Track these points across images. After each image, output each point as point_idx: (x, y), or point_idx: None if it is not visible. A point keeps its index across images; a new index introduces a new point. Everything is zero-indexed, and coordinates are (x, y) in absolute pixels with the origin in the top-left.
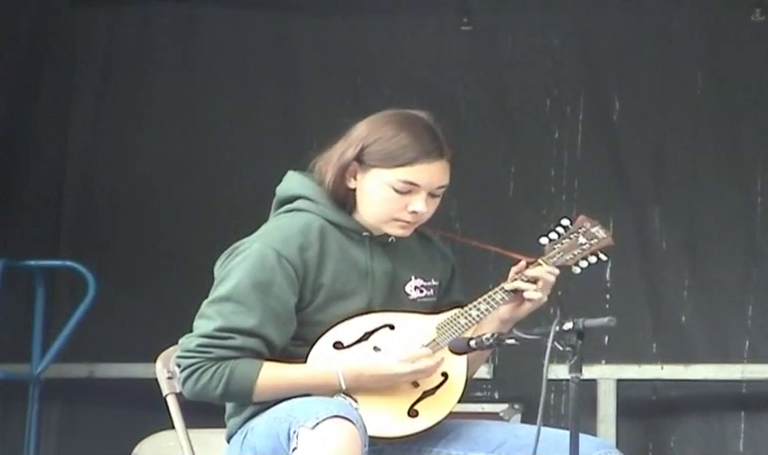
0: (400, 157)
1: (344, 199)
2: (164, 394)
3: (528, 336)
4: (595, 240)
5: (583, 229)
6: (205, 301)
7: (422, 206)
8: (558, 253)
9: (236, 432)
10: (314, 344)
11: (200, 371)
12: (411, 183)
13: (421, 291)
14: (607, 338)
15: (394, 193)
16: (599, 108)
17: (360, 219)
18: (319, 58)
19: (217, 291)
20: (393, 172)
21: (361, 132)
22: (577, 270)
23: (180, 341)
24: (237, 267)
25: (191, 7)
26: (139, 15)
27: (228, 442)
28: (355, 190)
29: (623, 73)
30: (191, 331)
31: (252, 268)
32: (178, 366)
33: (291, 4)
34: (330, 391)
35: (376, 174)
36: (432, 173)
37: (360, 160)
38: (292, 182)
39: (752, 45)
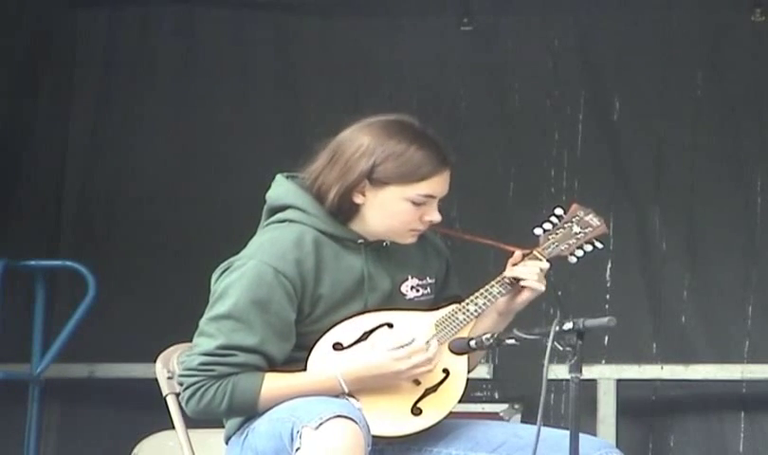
0: (417, 173)
1: (346, 213)
2: (164, 394)
3: (528, 336)
4: (590, 228)
5: (577, 218)
6: (203, 318)
7: (438, 215)
8: (553, 244)
9: (235, 433)
10: (313, 346)
11: (203, 388)
12: (429, 196)
13: (417, 290)
14: (607, 338)
15: (412, 206)
16: (599, 108)
17: (360, 228)
18: (319, 58)
19: (216, 308)
20: (411, 187)
21: (366, 147)
22: (573, 260)
23: (181, 360)
24: (235, 284)
25: (191, 7)
26: (139, 15)
27: (227, 443)
28: (359, 205)
29: (623, 73)
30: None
31: (250, 285)
32: (181, 384)
33: (291, 4)
34: (333, 395)
35: (393, 191)
36: (445, 182)
37: (371, 178)
38: (281, 190)
39: (752, 45)
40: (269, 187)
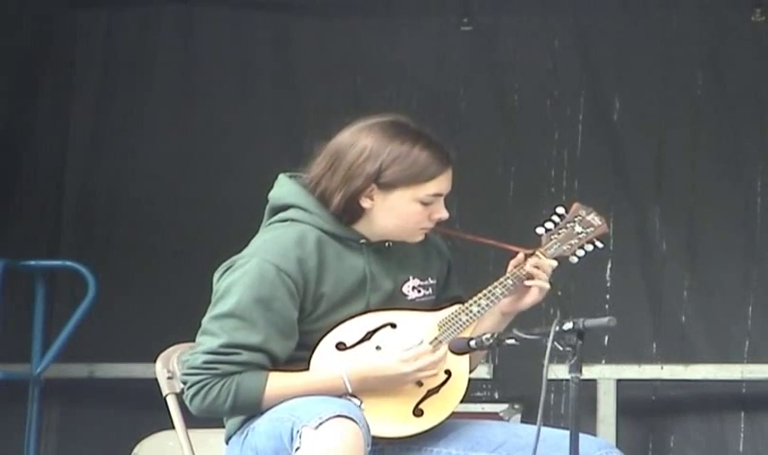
0: (425, 173)
1: (352, 215)
2: (164, 394)
3: (528, 336)
4: (591, 228)
5: (579, 218)
6: (206, 317)
7: (446, 212)
8: (556, 244)
9: (235, 433)
10: (316, 345)
11: (207, 387)
12: (437, 194)
13: (419, 291)
14: (607, 338)
15: (421, 206)
16: (599, 108)
17: (364, 229)
18: (319, 58)
19: (218, 307)
20: (421, 188)
21: (370, 151)
22: (575, 259)
23: (184, 358)
24: (237, 283)
25: (191, 7)
26: (139, 15)
27: (227, 442)
28: (366, 208)
29: (623, 73)
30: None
31: (253, 284)
32: (184, 383)
33: (291, 4)
34: (336, 394)
35: (403, 194)
36: (450, 179)
37: (379, 182)
38: (284, 189)
39: (752, 45)
40: (271, 187)
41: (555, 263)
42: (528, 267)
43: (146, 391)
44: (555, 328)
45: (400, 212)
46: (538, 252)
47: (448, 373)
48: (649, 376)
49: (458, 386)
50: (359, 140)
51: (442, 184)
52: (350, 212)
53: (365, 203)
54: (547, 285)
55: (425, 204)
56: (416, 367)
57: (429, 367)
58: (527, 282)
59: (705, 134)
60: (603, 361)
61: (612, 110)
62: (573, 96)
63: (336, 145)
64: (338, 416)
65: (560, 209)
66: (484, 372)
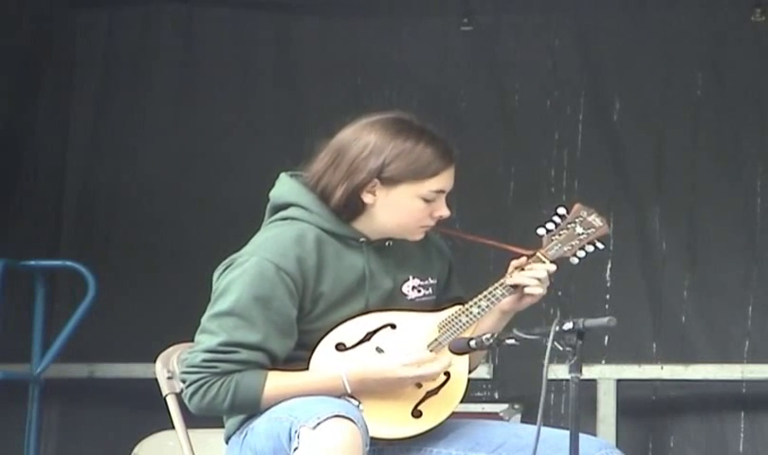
0: (428, 170)
1: (352, 211)
2: (164, 394)
3: (528, 336)
4: (592, 229)
5: (580, 218)
6: (205, 316)
7: (447, 210)
8: (556, 245)
9: (234, 433)
10: (316, 346)
11: (206, 385)
12: (440, 191)
13: (419, 291)
14: (607, 338)
15: (424, 203)
16: (599, 108)
17: (365, 227)
18: (319, 58)
19: (218, 305)
20: (423, 184)
21: (373, 146)
22: (575, 260)
23: (183, 357)
24: (237, 281)
25: (191, 7)
26: (139, 15)
27: (227, 442)
28: (368, 204)
29: (623, 73)
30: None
31: (252, 282)
32: (183, 381)
33: (291, 4)
34: (335, 395)
35: (406, 189)
36: (452, 176)
37: (381, 177)
38: (285, 188)
39: (752, 45)
40: (272, 186)
41: (552, 268)
42: (515, 280)
43: (146, 391)
44: (555, 328)
45: (402, 209)
46: (538, 253)
47: (447, 374)
48: (649, 376)
49: (457, 387)
50: (363, 136)
51: (445, 180)
52: (351, 208)
53: (367, 198)
54: (540, 291)
55: (427, 201)
56: (417, 373)
57: (429, 375)
58: (527, 290)
59: (705, 134)
60: (603, 361)
61: (612, 110)
62: (573, 96)
63: (338, 141)
64: (337, 416)
65: (562, 210)
66: (484, 372)
